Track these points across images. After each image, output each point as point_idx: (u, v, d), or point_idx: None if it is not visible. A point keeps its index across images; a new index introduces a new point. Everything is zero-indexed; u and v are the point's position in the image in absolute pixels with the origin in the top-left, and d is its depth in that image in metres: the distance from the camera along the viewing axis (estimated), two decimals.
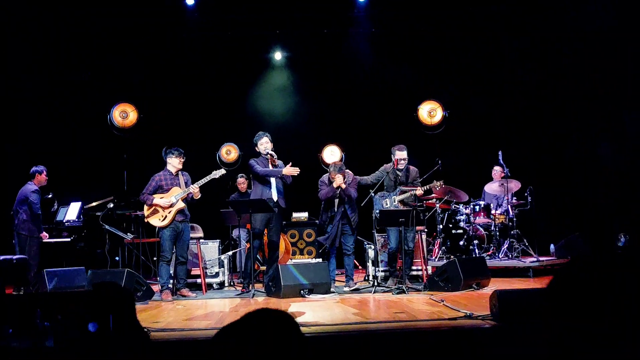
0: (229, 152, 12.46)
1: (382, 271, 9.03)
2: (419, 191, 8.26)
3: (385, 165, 8.66)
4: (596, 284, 1.31)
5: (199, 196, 8.10)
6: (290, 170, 8.10)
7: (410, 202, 8.42)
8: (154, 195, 8.07)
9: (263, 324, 1.52)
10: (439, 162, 8.79)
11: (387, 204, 8.40)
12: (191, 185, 8.07)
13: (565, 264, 1.41)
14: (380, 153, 9.07)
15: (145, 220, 8.23)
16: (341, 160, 10.98)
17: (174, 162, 8.21)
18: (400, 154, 8.48)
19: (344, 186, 8.28)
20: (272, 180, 8.27)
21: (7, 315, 2.15)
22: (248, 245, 8.41)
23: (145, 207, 8.10)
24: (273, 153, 8.27)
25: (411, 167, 8.58)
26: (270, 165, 8.30)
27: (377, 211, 8.27)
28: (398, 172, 8.50)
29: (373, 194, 8.30)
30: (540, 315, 1.44)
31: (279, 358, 1.47)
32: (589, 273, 1.33)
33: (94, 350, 2.05)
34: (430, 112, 12.04)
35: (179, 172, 8.27)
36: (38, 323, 2.08)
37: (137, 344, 1.84)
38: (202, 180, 8.10)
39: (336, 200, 8.43)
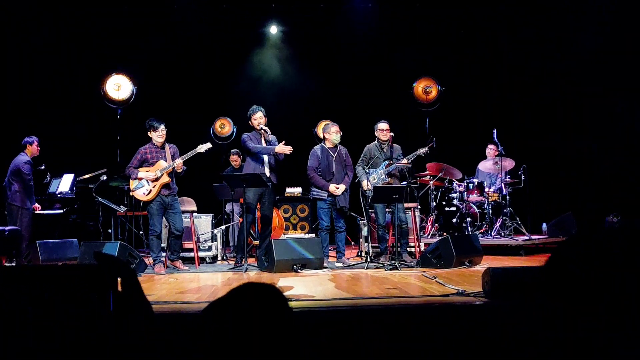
0: (223, 125, 12.40)
1: (374, 247, 9.05)
2: (404, 160, 8.25)
3: (367, 145, 8.64)
4: (594, 264, 1.30)
5: (182, 169, 8.05)
6: (282, 149, 8.06)
7: (397, 173, 8.37)
8: (139, 169, 8.02)
9: (250, 298, 1.51)
10: (433, 138, 8.76)
11: (374, 179, 8.39)
12: (175, 160, 8.01)
13: (563, 242, 1.40)
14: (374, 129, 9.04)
15: (131, 194, 8.20)
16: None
17: (154, 137, 8.12)
18: (382, 125, 8.56)
19: (337, 192, 8.32)
20: (265, 156, 8.24)
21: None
22: (241, 220, 8.41)
23: (131, 181, 8.06)
24: (266, 129, 8.22)
25: (395, 145, 8.56)
26: (263, 141, 8.26)
27: (368, 188, 8.27)
28: (383, 147, 8.49)
29: (367, 170, 8.29)
30: (534, 292, 1.43)
31: (267, 332, 1.47)
32: (587, 253, 1.32)
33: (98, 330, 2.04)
34: (425, 89, 11.99)
35: (166, 145, 8.20)
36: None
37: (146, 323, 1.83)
38: (187, 154, 8.05)
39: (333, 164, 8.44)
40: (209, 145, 8.23)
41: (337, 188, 8.32)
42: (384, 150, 8.48)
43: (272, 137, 8.33)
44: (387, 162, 8.40)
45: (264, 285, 1.56)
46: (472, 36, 12.22)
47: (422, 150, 8.38)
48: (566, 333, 1.31)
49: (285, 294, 5.38)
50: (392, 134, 8.46)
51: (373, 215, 9.06)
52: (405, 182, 8.43)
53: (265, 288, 1.55)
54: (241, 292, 1.53)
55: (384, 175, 8.35)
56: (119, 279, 1.83)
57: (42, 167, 9.85)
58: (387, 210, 8.58)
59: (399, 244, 8.16)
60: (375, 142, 8.59)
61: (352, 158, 8.71)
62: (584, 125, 11.31)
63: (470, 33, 12.21)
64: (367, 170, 8.43)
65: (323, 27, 12.40)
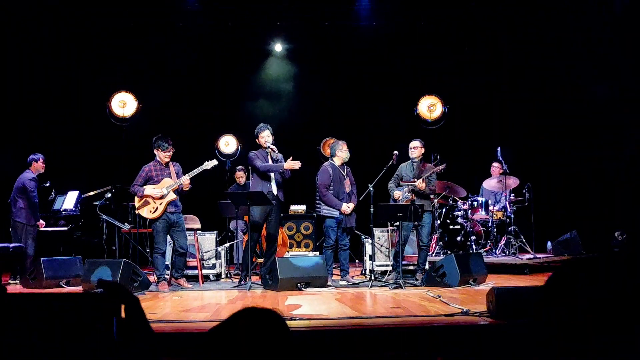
0: (228, 143, 12.43)
1: (378, 265, 9.04)
2: (420, 183, 8.22)
3: (402, 164, 8.66)
4: (592, 285, 1.30)
5: (189, 187, 8.04)
6: (291, 165, 8.05)
7: (422, 192, 8.34)
8: (145, 187, 8.00)
9: (249, 324, 1.52)
10: (437, 157, 8.77)
11: (398, 196, 8.38)
12: (182, 177, 8.01)
13: (563, 262, 1.41)
14: (379, 147, 9.06)
15: (136, 212, 8.18)
16: None
17: (160, 155, 8.11)
18: (411, 143, 8.60)
19: (348, 211, 8.34)
20: (272, 175, 8.23)
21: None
22: (246, 238, 8.39)
23: (136, 199, 8.04)
24: (274, 147, 8.21)
25: (427, 164, 8.59)
26: (270, 159, 8.26)
27: (400, 197, 8.34)
28: (414, 165, 8.52)
29: (372, 188, 8.27)
30: (535, 313, 1.44)
31: (267, 357, 1.47)
32: (586, 274, 1.33)
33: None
34: (429, 107, 12.01)
35: (170, 163, 8.20)
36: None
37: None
38: (193, 171, 8.03)
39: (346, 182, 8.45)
40: (215, 162, 8.24)
41: (349, 207, 8.33)
42: (414, 168, 8.51)
43: (279, 155, 8.33)
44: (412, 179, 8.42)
45: (264, 310, 1.56)
46: (478, 54, 12.25)
47: (437, 169, 8.39)
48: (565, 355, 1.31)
49: (289, 312, 5.38)
50: (413, 150, 8.51)
51: (379, 233, 9.06)
52: (429, 200, 8.48)
53: (264, 313, 1.55)
54: (241, 317, 1.54)
55: (407, 193, 8.35)
56: (122, 306, 1.83)
57: (47, 184, 9.87)
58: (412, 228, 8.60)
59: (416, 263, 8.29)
60: (410, 160, 8.62)
61: (355, 177, 8.70)
62: (589, 143, 11.30)
63: (475, 50, 12.24)
64: (396, 188, 8.49)
65: (327, 45, 12.46)
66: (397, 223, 8.21)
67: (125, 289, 1.86)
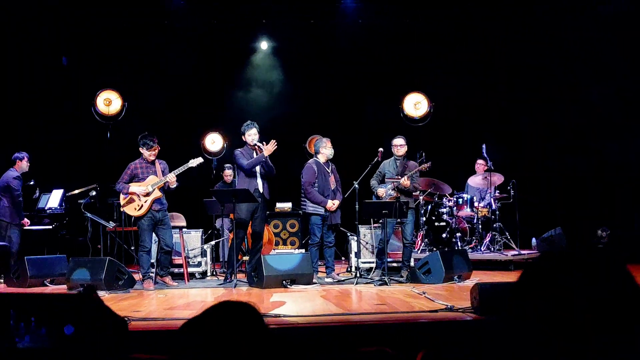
0: (213, 141, 12.40)
1: (363, 262, 9.07)
2: (404, 181, 8.25)
3: (384, 160, 8.66)
4: (566, 280, 1.31)
5: (175, 185, 8.02)
6: (269, 148, 8.01)
7: (406, 189, 8.37)
8: (130, 184, 7.98)
9: (224, 317, 1.53)
10: (423, 154, 8.81)
11: (381, 193, 8.40)
12: (168, 174, 7.99)
13: (535, 258, 1.42)
14: (364, 144, 9.07)
15: (121, 210, 8.15)
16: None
17: (145, 154, 8.09)
18: (395, 141, 8.59)
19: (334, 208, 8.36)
20: (258, 171, 8.21)
21: None
22: (231, 235, 8.39)
23: (121, 196, 8.01)
24: (261, 145, 8.17)
25: (411, 161, 8.61)
26: (255, 156, 8.22)
27: (384, 195, 8.36)
28: (397, 162, 8.53)
29: (357, 186, 8.29)
30: (508, 308, 1.44)
31: (242, 350, 1.48)
32: (560, 269, 1.34)
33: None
34: (415, 104, 12.02)
35: (155, 160, 8.17)
36: (12, 324, 2.06)
37: None
38: (179, 169, 8.02)
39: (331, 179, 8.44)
40: (200, 159, 8.22)
41: (334, 204, 8.34)
42: (397, 165, 8.52)
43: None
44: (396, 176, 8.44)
45: (239, 303, 1.57)
46: (462, 51, 12.27)
47: (422, 167, 8.42)
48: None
49: (274, 310, 5.39)
50: (397, 148, 8.53)
51: (364, 230, 9.08)
52: (412, 198, 8.51)
53: (240, 306, 1.56)
54: (216, 310, 1.54)
55: (390, 190, 8.37)
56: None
57: (32, 183, 9.81)
58: (395, 226, 8.63)
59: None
60: (393, 157, 8.62)
61: (340, 174, 8.71)
62: (573, 140, 11.39)
63: (460, 48, 12.26)
64: (379, 185, 8.50)
65: (313, 43, 12.46)
66: (381, 221, 8.25)
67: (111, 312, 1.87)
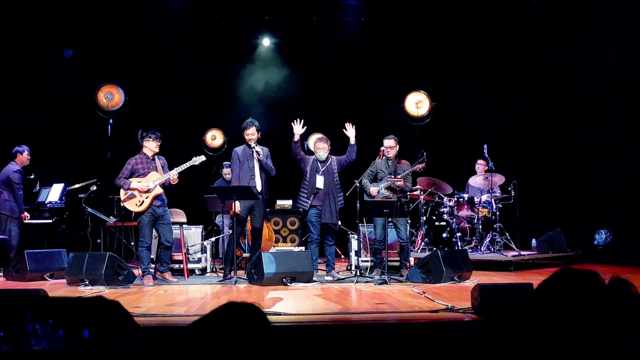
0: (214, 137, 12.41)
1: (363, 261, 9.07)
2: (399, 181, 8.27)
3: (376, 159, 8.67)
4: (581, 296, 1.33)
5: (177, 182, 8.03)
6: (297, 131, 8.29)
7: (399, 188, 8.38)
8: (131, 179, 7.96)
9: (230, 318, 1.53)
10: (424, 153, 8.79)
11: (374, 192, 8.40)
12: (170, 171, 7.98)
13: (554, 273, 1.43)
14: (365, 143, 9.05)
15: (122, 204, 8.13)
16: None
17: (150, 146, 8.08)
18: (386, 142, 8.59)
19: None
20: (256, 170, 8.21)
21: None
22: (231, 232, 8.39)
23: (122, 191, 8.00)
24: (259, 150, 8.18)
25: (403, 161, 8.61)
26: (253, 157, 8.23)
27: (376, 194, 8.36)
28: (389, 162, 8.53)
29: (358, 184, 8.28)
30: (523, 312, 1.45)
31: (247, 350, 1.48)
32: (576, 285, 1.35)
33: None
34: (417, 104, 12.02)
35: (155, 156, 8.16)
36: (29, 327, 2.05)
37: None
38: (182, 166, 8.02)
39: (319, 177, 8.40)
40: (203, 158, 8.23)
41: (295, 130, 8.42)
42: (389, 165, 8.52)
43: (264, 150, 8.32)
44: (388, 177, 8.43)
45: (245, 304, 1.57)
46: (464, 50, 12.27)
47: (417, 167, 8.42)
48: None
49: (274, 308, 5.38)
50: (388, 149, 8.52)
51: (365, 229, 9.07)
52: (405, 197, 8.53)
53: (245, 307, 1.56)
54: (222, 312, 1.55)
55: (383, 190, 8.37)
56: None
57: (32, 177, 9.80)
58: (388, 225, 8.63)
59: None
60: (383, 157, 8.62)
61: (342, 172, 8.66)
62: (574, 140, 11.38)
63: (461, 47, 12.26)
64: (370, 184, 8.50)
65: (315, 40, 12.43)
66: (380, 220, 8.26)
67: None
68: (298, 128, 8.35)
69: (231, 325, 1.51)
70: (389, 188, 8.38)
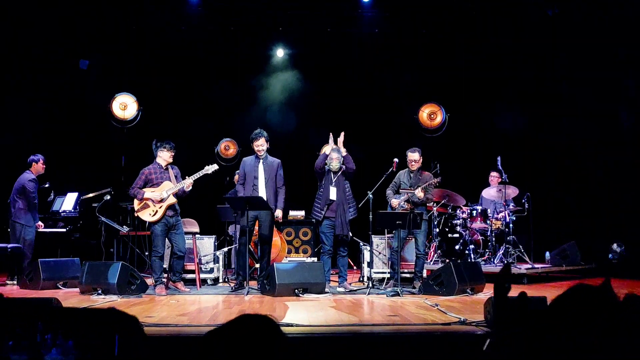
0: (228, 147, 12.45)
1: (377, 272, 9.06)
2: (419, 192, 8.27)
3: (400, 171, 8.68)
4: (595, 313, 1.33)
5: (190, 188, 8.06)
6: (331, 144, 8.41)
7: (419, 202, 8.38)
8: (145, 189, 7.99)
9: (245, 329, 1.54)
10: (437, 165, 8.78)
11: (395, 204, 8.42)
12: (183, 181, 8.01)
13: (568, 289, 1.43)
14: (379, 154, 9.06)
15: (135, 215, 8.16)
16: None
17: (164, 156, 8.11)
18: (410, 155, 8.64)
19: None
20: (261, 180, 8.28)
21: (8, 327, 2.14)
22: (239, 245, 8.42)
23: (136, 201, 8.02)
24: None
25: (425, 172, 8.62)
26: (260, 165, 8.35)
27: (398, 205, 8.39)
28: (411, 175, 8.55)
29: (371, 196, 8.27)
30: (536, 324, 1.46)
31: None
32: (591, 301, 1.35)
33: None
34: (430, 115, 12.03)
35: (169, 166, 8.20)
36: (38, 336, 2.06)
37: None
38: (195, 175, 8.04)
39: (332, 188, 8.40)
40: (215, 166, 8.24)
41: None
42: (411, 177, 8.54)
43: (274, 162, 8.39)
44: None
45: (258, 316, 1.58)
46: (478, 62, 12.26)
47: (433, 181, 8.41)
48: None
49: (286, 319, 5.37)
50: (412, 162, 8.56)
51: (377, 240, 9.06)
52: (425, 209, 8.55)
53: (260, 320, 1.57)
54: (237, 323, 1.55)
55: (404, 202, 8.39)
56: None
57: (47, 185, 9.87)
58: (408, 237, 8.65)
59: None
60: (406, 169, 8.66)
61: (355, 184, 8.66)
62: (588, 153, 11.32)
63: (475, 58, 12.25)
64: (394, 196, 8.54)
65: (329, 52, 12.47)
66: (394, 232, 8.24)
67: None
68: (333, 142, 8.46)
69: (245, 337, 1.51)
70: (408, 201, 8.39)
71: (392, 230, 8.66)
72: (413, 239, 8.64)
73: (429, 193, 8.46)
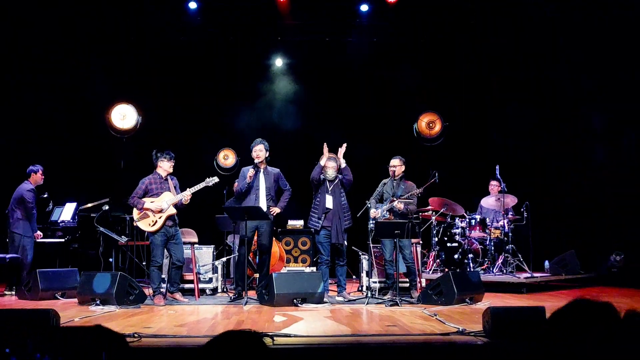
0: (227, 157, 12.46)
1: (374, 282, 9.03)
2: (397, 204, 8.25)
3: (384, 180, 8.68)
4: (596, 329, 1.33)
5: (188, 202, 8.07)
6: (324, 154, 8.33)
7: (399, 212, 8.36)
8: (145, 199, 8.00)
9: (229, 347, 1.53)
10: (435, 173, 8.77)
11: (375, 214, 8.41)
12: (184, 192, 8.01)
13: (569, 303, 1.43)
14: (378, 164, 9.06)
15: (135, 224, 8.16)
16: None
17: (164, 166, 8.12)
18: (391, 162, 8.62)
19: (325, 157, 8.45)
20: (262, 189, 8.29)
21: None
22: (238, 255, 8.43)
23: (135, 211, 8.03)
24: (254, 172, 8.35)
25: (409, 182, 8.59)
26: (261, 175, 8.36)
27: (372, 222, 8.31)
28: (394, 183, 8.53)
29: (369, 204, 8.27)
30: (537, 335, 1.47)
31: None
32: (591, 317, 1.36)
33: None
34: (429, 124, 12.05)
35: (168, 177, 8.21)
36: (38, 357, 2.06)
37: None
38: (196, 187, 8.05)
39: (328, 197, 8.40)
40: (216, 179, 8.25)
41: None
42: (394, 186, 8.52)
43: (274, 172, 8.41)
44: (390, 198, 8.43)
45: (242, 332, 1.57)
46: (476, 72, 12.28)
47: (415, 192, 8.40)
48: None
49: (284, 329, 5.36)
50: (392, 169, 8.52)
51: (376, 249, 9.04)
52: (406, 219, 8.47)
53: (243, 336, 1.56)
54: (219, 341, 1.55)
55: (385, 212, 8.37)
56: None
57: (45, 196, 9.87)
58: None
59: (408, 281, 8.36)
60: (389, 178, 8.64)
61: (353, 192, 8.66)
62: (588, 162, 11.33)
63: (474, 69, 12.27)
64: (376, 205, 8.49)
65: (327, 61, 12.49)
66: (391, 241, 8.23)
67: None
68: (327, 152, 8.44)
69: (229, 354, 1.51)
70: (390, 210, 8.37)
71: (379, 241, 8.64)
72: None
73: (411, 204, 8.42)
